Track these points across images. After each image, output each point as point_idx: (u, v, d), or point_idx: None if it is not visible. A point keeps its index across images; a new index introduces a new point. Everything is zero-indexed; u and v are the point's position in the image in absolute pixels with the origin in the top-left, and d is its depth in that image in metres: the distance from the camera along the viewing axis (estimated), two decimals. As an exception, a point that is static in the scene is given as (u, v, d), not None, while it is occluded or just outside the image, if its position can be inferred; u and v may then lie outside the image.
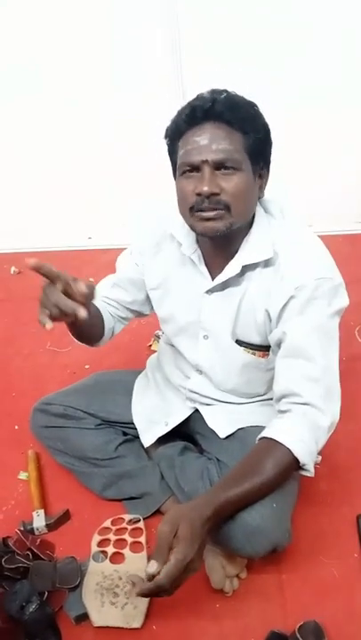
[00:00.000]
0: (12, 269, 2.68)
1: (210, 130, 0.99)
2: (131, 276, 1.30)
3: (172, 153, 1.07)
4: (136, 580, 0.93)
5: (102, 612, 1.10)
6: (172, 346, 1.32)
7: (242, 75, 2.28)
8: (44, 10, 2.33)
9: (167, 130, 1.06)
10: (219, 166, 1.00)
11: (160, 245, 1.22)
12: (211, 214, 1.01)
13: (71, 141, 2.63)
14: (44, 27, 2.38)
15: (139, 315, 1.37)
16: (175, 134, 1.04)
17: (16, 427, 1.62)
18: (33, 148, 2.66)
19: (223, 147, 0.99)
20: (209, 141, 0.99)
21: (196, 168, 1.01)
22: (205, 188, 0.99)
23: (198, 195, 1.00)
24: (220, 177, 1.00)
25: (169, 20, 2.34)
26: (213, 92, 1.01)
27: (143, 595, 0.91)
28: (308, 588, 1.15)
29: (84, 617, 1.11)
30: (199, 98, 1.01)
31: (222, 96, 1.00)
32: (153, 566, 0.89)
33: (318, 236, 1.13)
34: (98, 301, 1.29)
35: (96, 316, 1.24)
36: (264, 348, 1.17)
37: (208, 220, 1.02)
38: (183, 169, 1.03)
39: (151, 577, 0.89)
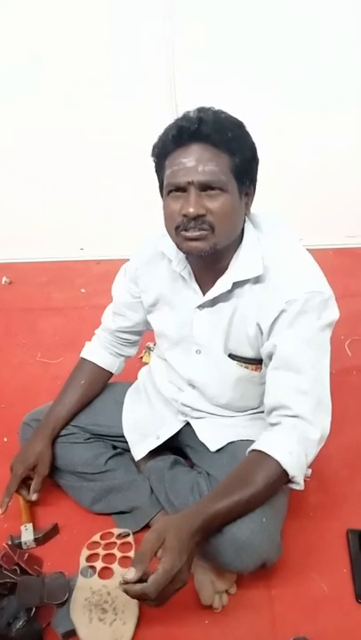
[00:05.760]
0: (4, 280, 2.68)
1: (196, 151, 0.99)
2: (126, 301, 1.33)
3: (159, 171, 1.07)
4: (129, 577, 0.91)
5: (90, 629, 1.09)
6: (165, 360, 1.32)
7: (234, 89, 2.31)
8: (43, 10, 2.34)
9: (154, 148, 1.06)
10: (204, 187, 1.00)
11: (153, 263, 1.24)
12: (195, 234, 1.02)
13: (64, 152, 2.63)
14: (37, 29, 2.38)
15: (145, 330, 1.41)
16: (162, 153, 1.04)
17: (5, 439, 1.61)
18: (25, 159, 2.66)
19: (209, 168, 0.99)
20: (195, 163, 0.99)
21: (182, 189, 1.01)
22: (191, 210, 1.00)
23: (184, 215, 1.01)
24: (205, 198, 1.01)
25: (164, 26, 2.36)
26: (200, 110, 1.02)
27: (127, 592, 0.90)
28: (297, 604, 1.14)
29: (72, 633, 1.09)
30: (185, 118, 1.01)
31: (209, 117, 1.00)
32: (131, 573, 0.88)
33: (308, 250, 1.14)
34: (99, 352, 1.41)
35: (85, 395, 1.39)
36: (257, 362, 1.17)
37: (192, 240, 1.03)
38: (169, 189, 1.03)
39: (127, 583, 0.89)
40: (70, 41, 2.39)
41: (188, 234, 1.03)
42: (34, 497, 1.30)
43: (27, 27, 2.37)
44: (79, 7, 2.33)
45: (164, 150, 1.03)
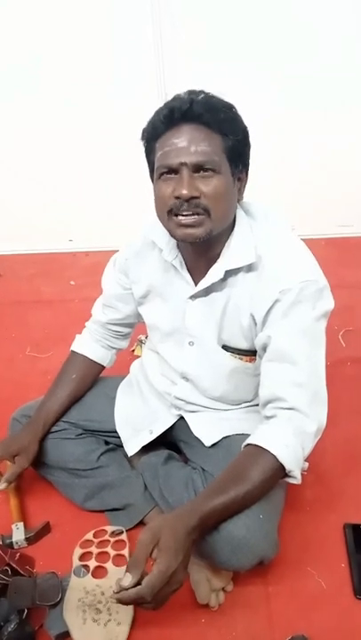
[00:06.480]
0: (-8, 273, 2.64)
1: (188, 131, 0.96)
2: (116, 293, 1.30)
3: (149, 154, 1.04)
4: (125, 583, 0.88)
5: (84, 630, 1.06)
6: (158, 353, 1.29)
7: (234, 89, 2.27)
8: (43, 10, 2.32)
9: (144, 131, 1.03)
10: (198, 169, 0.97)
11: (143, 253, 1.21)
12: (190, 220, 0.99)
13: (52, 144, 2.61)
14: (37, 29, 2.35)
15: (137, 322, 1.37)
16: (152, 135, 1.01)
17: (-6, 435, 1.57)
18: (19, 154, 2.64)
19: (202, 148, 0.96)
20: (188, 143, 0.96)
21: (174, 170, 0.98)
22: (184, 192, 0.96)
23: (177, 198, 0.98)
24: (198, 180, 0.97)
25: (164, 26, 2.34)
26: (191, 92, 0.99)
27: (122, 602, 0.87)
28: (295, 601, 1.12)
29: (65, 635, 1.07)
30: (176, 99, 0.98)
31: (200, 97, 0.97)
32: (127, 579, 0.86)
33: (301, 240, 1.11)
34: (90, 345, 1.38)
35: (76, 389, 1.36)
36: (251, 353, 1.15)
37: (187, 226, 1.00)
38: (161, 171, 1.00)
39: (124, 589, 0.86)
40: (70, 41, 2.37)
41: (183, 219, 0.99)
42: (2, 486, 1.25)
43: (27, 27, 2.35)
44: (79, 7, 2.31)
45: (155, 132, 1.00)
